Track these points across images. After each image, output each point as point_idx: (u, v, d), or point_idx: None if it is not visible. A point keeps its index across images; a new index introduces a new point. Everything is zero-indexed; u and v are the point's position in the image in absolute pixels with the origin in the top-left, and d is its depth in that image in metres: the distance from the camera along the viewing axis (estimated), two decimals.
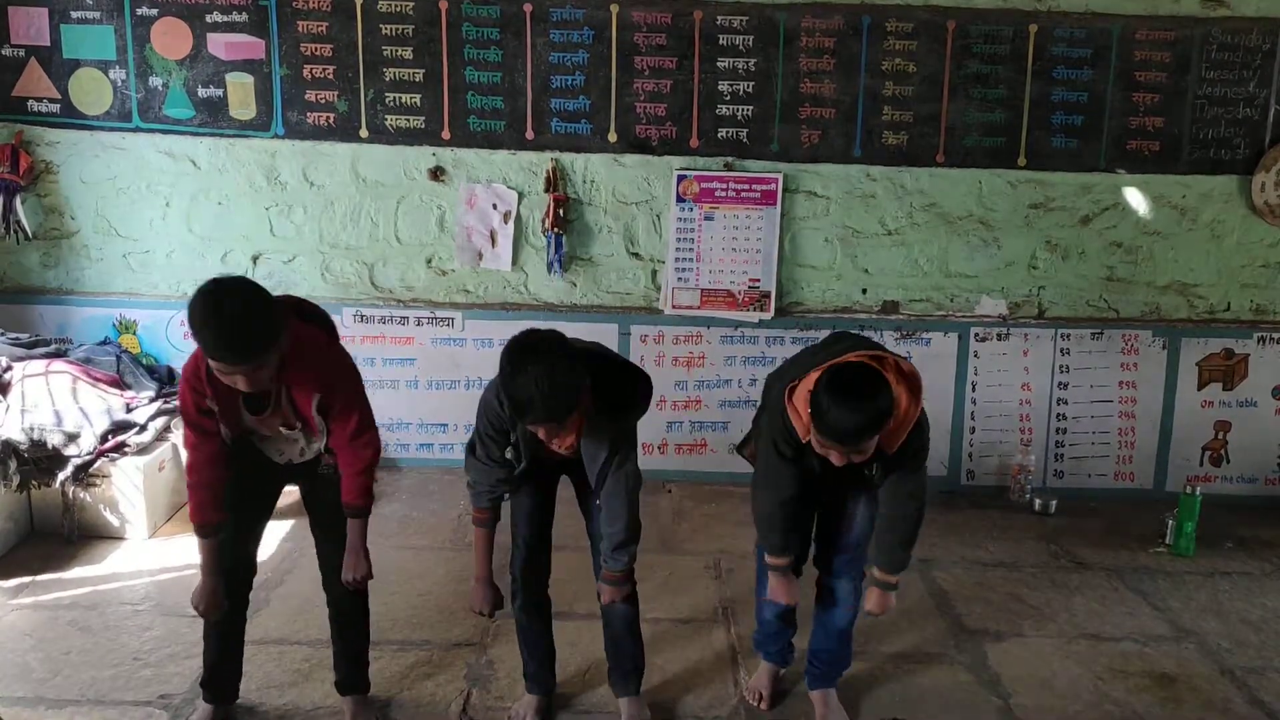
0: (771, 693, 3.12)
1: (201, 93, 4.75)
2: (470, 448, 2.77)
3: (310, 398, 2.57)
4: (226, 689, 2.94)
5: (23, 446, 3.95)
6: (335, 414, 2.63)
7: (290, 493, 2.92)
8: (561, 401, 2.39)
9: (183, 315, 4.77)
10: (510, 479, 2.75)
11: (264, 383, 2.43)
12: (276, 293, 2.49)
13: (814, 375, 2.53)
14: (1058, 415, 5.04)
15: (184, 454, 4.25)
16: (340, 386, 2.64)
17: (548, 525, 2.93)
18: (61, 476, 3.98)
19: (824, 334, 4.74)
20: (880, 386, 2.47)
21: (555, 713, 3.04)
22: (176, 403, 4.34)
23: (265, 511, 2.87)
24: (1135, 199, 4.90)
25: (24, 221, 4.77)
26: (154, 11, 4.67)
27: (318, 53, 4.73)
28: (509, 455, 2.72)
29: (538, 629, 2.99)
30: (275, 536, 4.02)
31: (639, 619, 2.96)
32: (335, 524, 2.78)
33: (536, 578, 2.95)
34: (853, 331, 3.32)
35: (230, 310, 2.30)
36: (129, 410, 4.26)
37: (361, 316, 4.92)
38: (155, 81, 4.74)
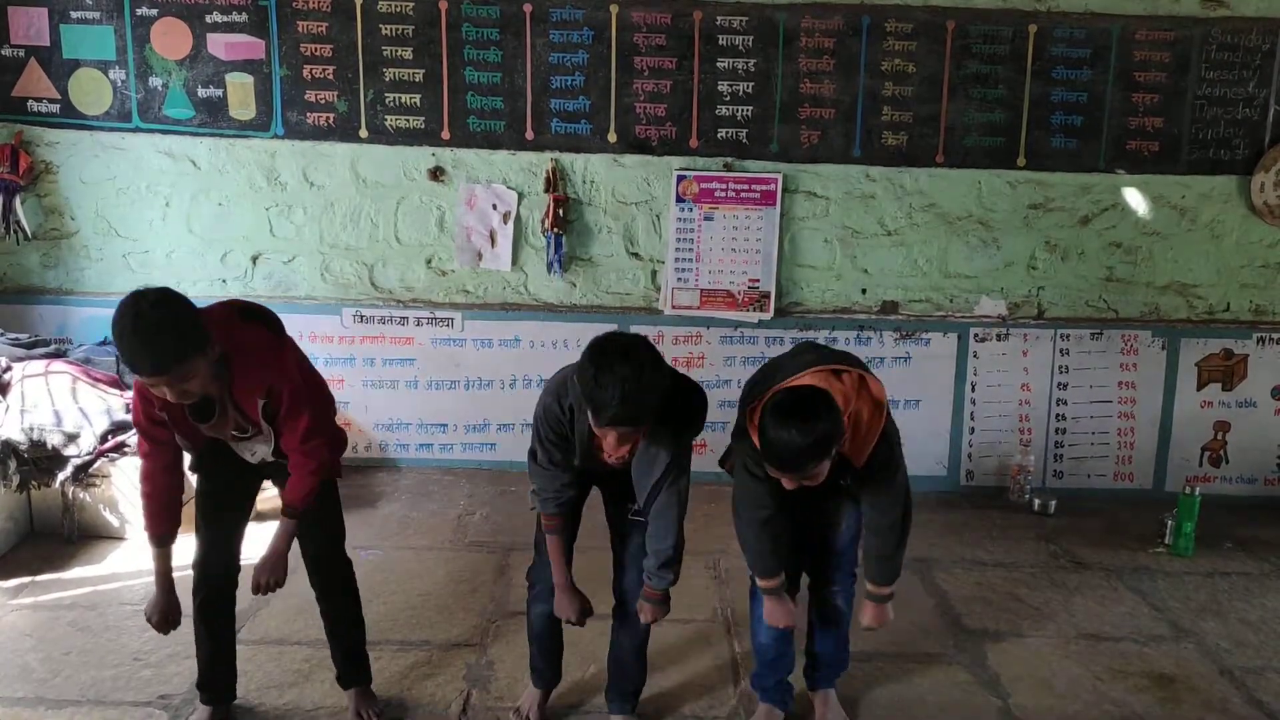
0: None
1: (201, 93, 4.75)
2: (532, 455, 2.71)
3: (254, 401, 2.53)
4: (223, 689, 2.94)
5: (22, 447, 3.95)
6: (283, 416, 2.57)
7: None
8: (644, 406, 2.37)
9: None
10: (574, 482, 2.69)
11: (193, 394, 2.39)
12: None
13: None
14: (1057, 415, 5.04)
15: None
16: (285, 387, 2.54)
17: (574, 537, 2.87)
18: (61, 476, 3.98)
19: (823, 334, 4.80)
20: (822, 413, 2.42)
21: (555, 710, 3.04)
22: None
23: (244, 512, 2.86)
24: (1135, 199, 4.90)
25: (24, 222, 4.77)
26: (154, 12, 4.68)
27: (317, 53, 4.73)
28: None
29: (552, 629, 2.95)
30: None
31: (648, 640, 2.92)
32: (316, 520, 2.77)
33: None
34: (819, 343, 3.30)
35: (148, 323, 2.25)
36: (128, 410, 4.25)
37: (361, 317, 4.92)
38: (155, 82, 4.74)
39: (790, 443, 2.40)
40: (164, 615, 2.68)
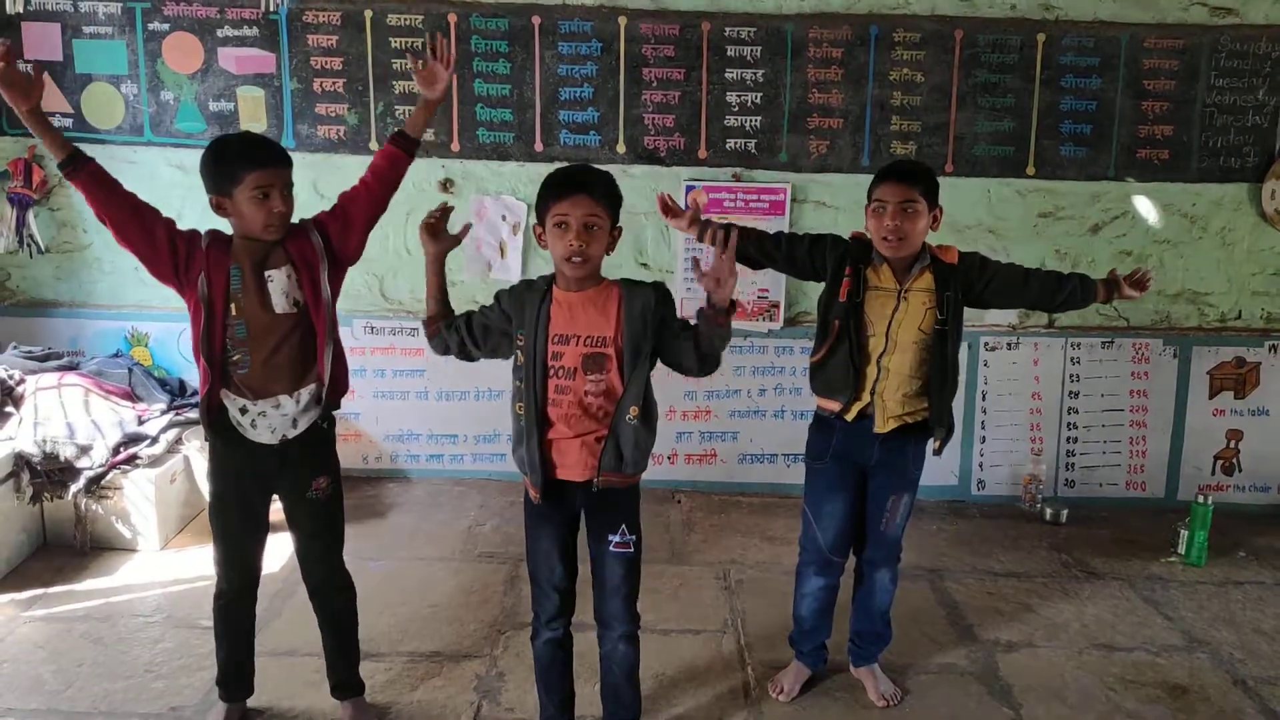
0: (793, 689, 3.20)
1: (213, 106, 4.78)
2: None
3: (308, 237, 2.73)
4: (243, 685, 2.99)
5: (35, 459, 3.97)
6: (335, 212, 2.82)
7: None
8: (601, 180, 2.53)
9: None
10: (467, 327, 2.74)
11: (286, 207, 2.63)
12: None
13: None
14: (1068, 424, 5.03)
15: (195, 464, 4.30)
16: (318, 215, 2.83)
17: (574, 564, 2.73)
18: (74, 488, 4.00)
19: None
20: None
21: None
22: (190, 414, 4.43)
23: (260, 524, 2.86)
24: (1145, 207, 4.89)
25: (37, 235, 4.81)
26: (165, 26, 4.71)
27: (328, 66, 4.76)
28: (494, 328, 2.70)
29: (561, 663, 2.81)
30: (285, 548, 4.01)
31: (639, 665, 2.80)
32: (317, 531, 2.86)
33: (564, 612, 2.75)
34: None
35: (260, 136, 2.74)
36: (141, 422, 4.28)
37: (372, 328, 4.94)
38: (167, 96, 4.77)
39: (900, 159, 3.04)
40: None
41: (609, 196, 2.55)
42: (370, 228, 2.82)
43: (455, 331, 2.75)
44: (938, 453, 3.11)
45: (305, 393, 2.71)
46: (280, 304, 2.65)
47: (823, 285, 3.07)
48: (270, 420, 2.68)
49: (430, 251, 2.75)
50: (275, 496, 2.87)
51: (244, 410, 2.67)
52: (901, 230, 2.87)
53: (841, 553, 3.12)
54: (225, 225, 2.71)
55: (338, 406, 2.84)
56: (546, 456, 2.58)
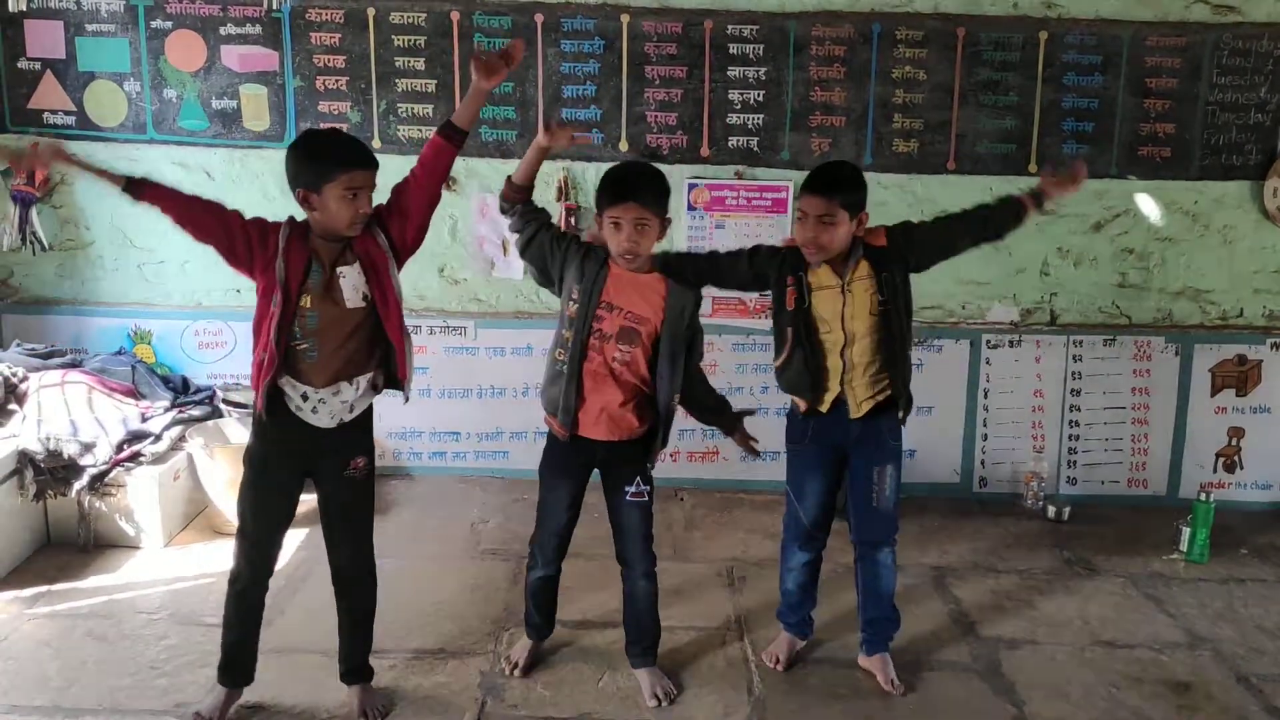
0: (789, 659, 3.36)
1: (215, 104, 4.78)
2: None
3: (372, 234, 2.77)
4: (246, 672, 3.01)
5: (39, 456, 3.97)
6: (390, 203, 2.83)
7: (306, 501, 2.93)
8: (657, 186, 2.86)
9: (197, 326, 4.86)
10: (538, 226, 3.02)
11: (369, 207, 2.69)
12: None
13: None
14: (1070, 422, 5.03)
15: (199, 460, 4.30)
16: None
17: (577, 513, 3.17)
18: (77, 486, 4.00)
19: None
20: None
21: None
22: (193, 411, 4.44)
23: (288, 516, 2.91)
24: (1147, 205, 4.89)
25: (40, 233, 4.80)
26: (168, 24, 4.71)
27: (330, 64, 4.76)
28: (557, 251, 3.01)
29: (551, 590, 3.27)
30: (290, 545, 4.02)
31: (658, 598, 3.22)
32: (349, 510, 2.93)
33: (559, 556, 3.21)
34: None
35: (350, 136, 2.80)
36: (144, 420, 4.28)
37: None
38: (169, 93, 4.77)
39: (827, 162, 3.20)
40: None
41: (657, 197, 2.87)
42: (428, 216, 2.88)
43: (537, 224, 3.03)
44: (901, 423, 3.19)
45: (363, 380, 2.82)
46: (352, 299, 2.74)
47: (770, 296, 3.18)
48: (330, 406, 2.77)
49: (541, 145, 2.97)
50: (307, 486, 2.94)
51: (305, 397, 2.75)
52: (818, 241, 2.97)
53: (822, 529, 3.27)
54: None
55: (399, 387, 2.90)
56: (575, 402, 2.97)
